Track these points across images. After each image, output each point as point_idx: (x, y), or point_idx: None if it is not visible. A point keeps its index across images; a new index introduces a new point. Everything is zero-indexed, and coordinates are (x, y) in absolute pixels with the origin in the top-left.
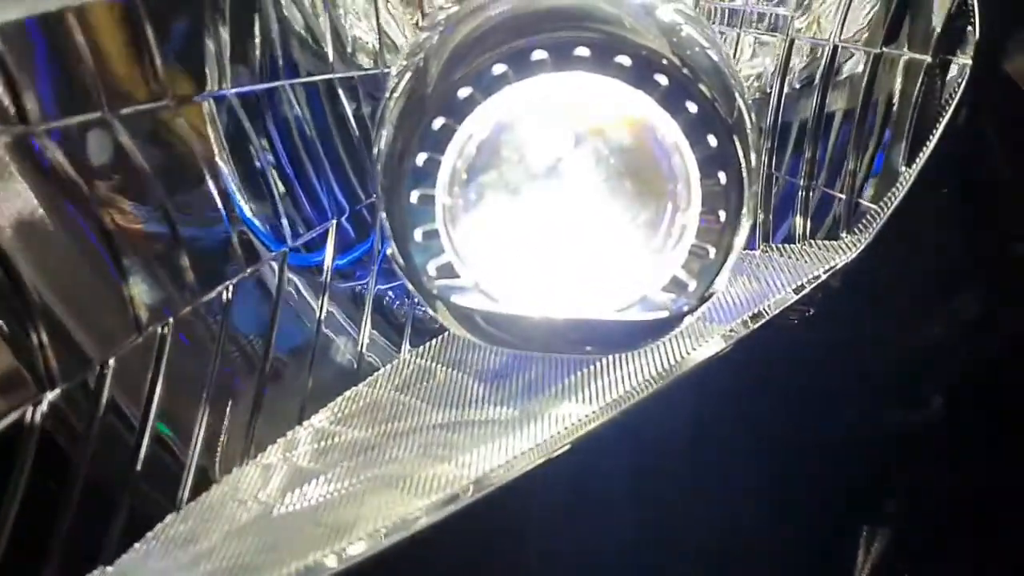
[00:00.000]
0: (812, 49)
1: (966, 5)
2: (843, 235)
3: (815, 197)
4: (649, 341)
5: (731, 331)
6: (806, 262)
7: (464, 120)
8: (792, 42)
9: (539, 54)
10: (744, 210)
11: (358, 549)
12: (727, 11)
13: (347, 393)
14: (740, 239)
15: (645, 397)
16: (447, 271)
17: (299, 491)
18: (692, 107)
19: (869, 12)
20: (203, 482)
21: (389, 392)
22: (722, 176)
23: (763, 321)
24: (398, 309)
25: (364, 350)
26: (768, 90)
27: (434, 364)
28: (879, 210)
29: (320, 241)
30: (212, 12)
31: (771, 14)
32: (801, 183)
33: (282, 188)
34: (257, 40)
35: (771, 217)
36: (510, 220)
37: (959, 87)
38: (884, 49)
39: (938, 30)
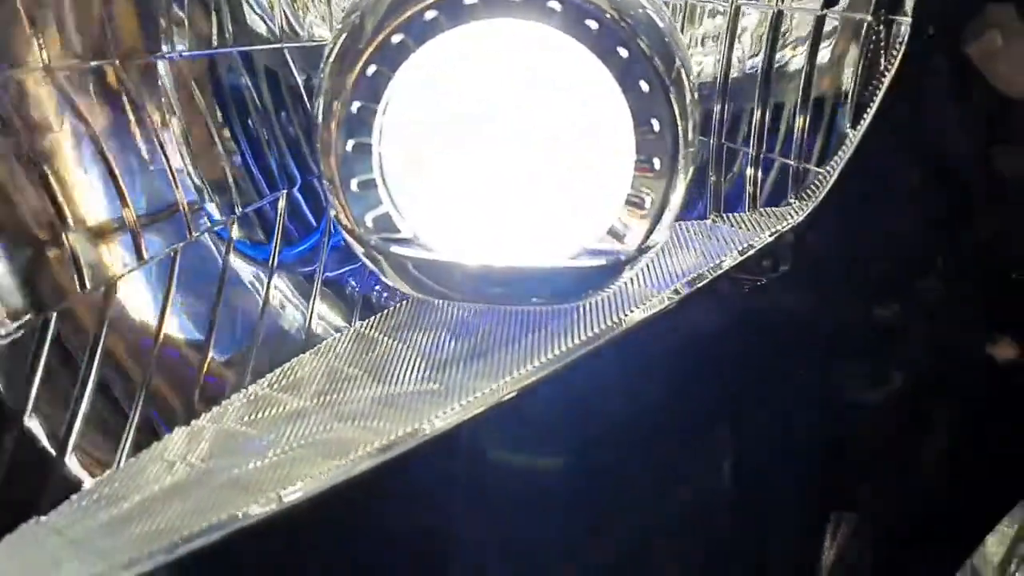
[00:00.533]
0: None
1: None
2: (792, 201)
3: (765, 165)
4: (589, 292)
5: (674, 292)
6: (754, 230)
7: (398, 68)
8: (738, 9)
9: (471, 0)
10: (681, 159)
11: (295, 495)
12: None
13: (291, 362)
14: (678, 190)
15: (583, 355)
16: (384, 222)
17: (228, 456)
18: (623, 53)
19: None
20: (145, 442)
21: (331, 362)
22: (655, 123)
23: (705, 282)
24: (349, 287)
25: (312, 322)
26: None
27: (378, 335)
28: (826, 174)
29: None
30: None
31: None
32: (751, 151)
33: (231, 155)
34: (209, 5)
35: (722, 186)
36: (447, 169)
37: (900, 46)
38: (826, 11)
39: None
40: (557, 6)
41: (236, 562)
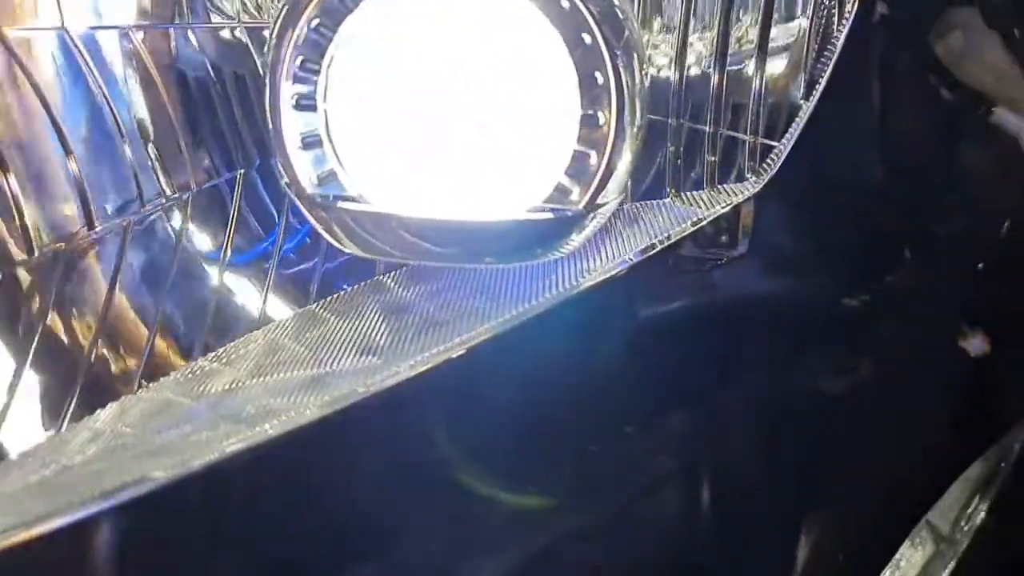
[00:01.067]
0: None
1: None
2: (749, 176)
3: (721, 142)
4: (539, 250)
5: (625, 260)
6: (709, 207)
7: (341, 23)
8: None
9: None
10: (627, 114)
11: (237, 446)
12: None
13: (240, 339)
14: (625, 146)
15: (530, 318)
16: (330, 178)
17: (155, 424)
18: (565, 4)
19: None
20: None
21: (277, 338)
22: (598, 76)
23: (655, 251)
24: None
25: (267, 305)
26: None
27: (329, 315)
28: (781, 147)
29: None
30: None
31: None
32: (708, 129)
33: (188, 132)
34: None
35: (680, 165)
36: (393, 126)
37: (850, 16)
38: None
39: None
40: None
41: (136, 524)
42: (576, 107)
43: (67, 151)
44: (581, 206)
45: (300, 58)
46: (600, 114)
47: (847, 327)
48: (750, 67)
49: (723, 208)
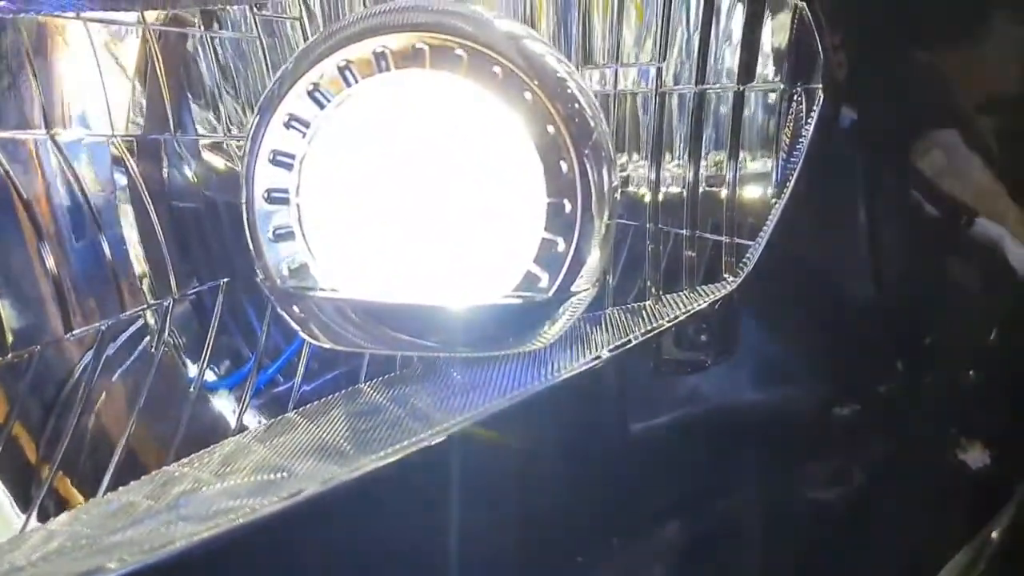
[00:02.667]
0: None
1: (805, 31)
2: (726, 278)
3: (699, 243)
4: (511, 339)
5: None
6: (687, 306)
7: (312, 119)
8: (664, 95)
9: (382, 50)
10: (594, 201)
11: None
12: (602, 72)
13: (213, 446)
14: (594, 234)
15: (500, 411)
16: (302, 271)
17: (112, 525)
18: (528, 97)
19: (728, 52)
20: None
21: (248, 444)
22: (563, 165)
23: (633, 352)
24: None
25: (244, 410)
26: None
27: (302, 420)
28: (755, 246)
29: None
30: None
31: (639, 69)
32: (685, 231)
33: (173, 241)
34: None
35: (660, 268)
36: (364, 218)
37: (815, 113)
38: (742, 86)
39: (785, 58)
40: (463, 55)
41: None
42: (542, 196)
43: (46, 254)
44: (551, 293)
45: (273, 154)
46: (566, 202)
47: (839, 437)
48: (724, 171)
49: (698, 308)
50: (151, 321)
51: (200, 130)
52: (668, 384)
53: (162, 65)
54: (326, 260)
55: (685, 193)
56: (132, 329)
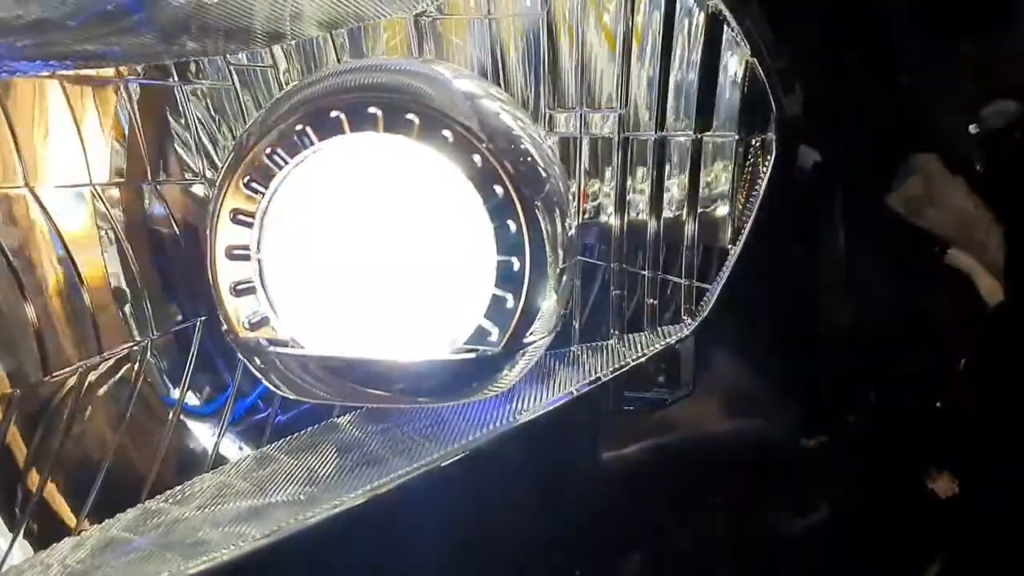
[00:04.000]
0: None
1: (758, 84)
2: (685, 318)
3: (659, 285)
4: (465, 390)
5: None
6: (646, 348)
7: (272, 179)
8: (627, 139)
9: (336, 115)
10: (548, 259)
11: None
12: (551, 117)
13: (192, 480)
14: (547, 290)
15: (461, 456)
16: (263, 324)
17: (102, 558)
18: (477, 159)
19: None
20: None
21: (227, 478)
22: (511, 224)
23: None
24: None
25: (219, 445)
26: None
27: (280, 454)
28: (712, 290)
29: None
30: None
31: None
32: (647, 273)
33: (153, 282)
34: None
35: (624, 308)
36: (322, 275)
37: (769, 162)
38: (700, 134)
39: (738, 109)
40: (415, 119)
41: None
42: (492, 254)
43: (25, 298)
44: (500, 347)
45: (233, 212)
46: (515, 260)
47: (799, 472)
48: (682, 211)
49: (656, 349)
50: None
51: (188, 176)
52: (628, 422)
53: (138, 116)
54: (286, 314)
55: (648, 236)
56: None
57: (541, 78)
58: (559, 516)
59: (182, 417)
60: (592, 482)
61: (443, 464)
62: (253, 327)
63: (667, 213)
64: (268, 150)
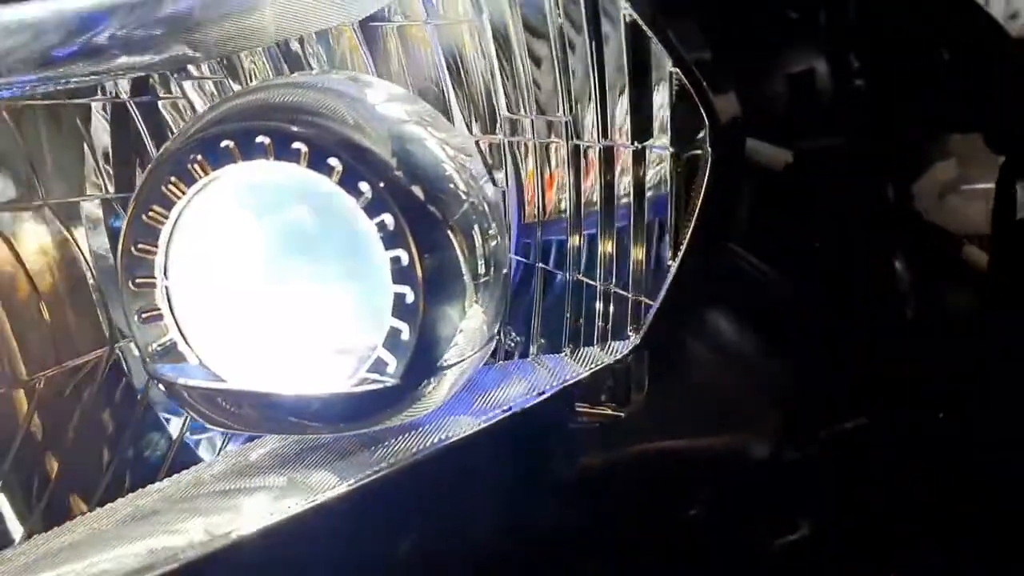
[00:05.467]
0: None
1: (686, 95)
2: (629, 333)
3: (611, 297)
4: (363, 421)
5: (486, 419)
6: (593, 363)
7: (171, 208)
8: (577, 148)
9: (227, 144)
10: (445, 289)
11: None
12: (513, 121)
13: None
14: (444, 320)
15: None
16: (170, 351)
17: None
18: (365, 188)
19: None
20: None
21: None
22: (403, 255)
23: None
24: None
25: (176, 449)
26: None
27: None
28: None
29: None
30: None
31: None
32: (599, 285)
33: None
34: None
35: (580, 321)
36: (229, 302)
37: (706, 175)
38: (641, 144)
39: (670, 119)
40: (303, 147)
41: None
42: (388, 284)
43: None
44: (399, 379)
45: (137, 239)
46: (408, 291)
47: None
48: (627, 223)
49: (603, 363)
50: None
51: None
52: (576, 438)
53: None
54: (194, 341)
55: (598, 247)
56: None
57: (493, 85)
58: (505, 531)
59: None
60: (538, 497)
61: (377, 476)
62: (162, 353)
63: (618, 224)
64: (167, 178)
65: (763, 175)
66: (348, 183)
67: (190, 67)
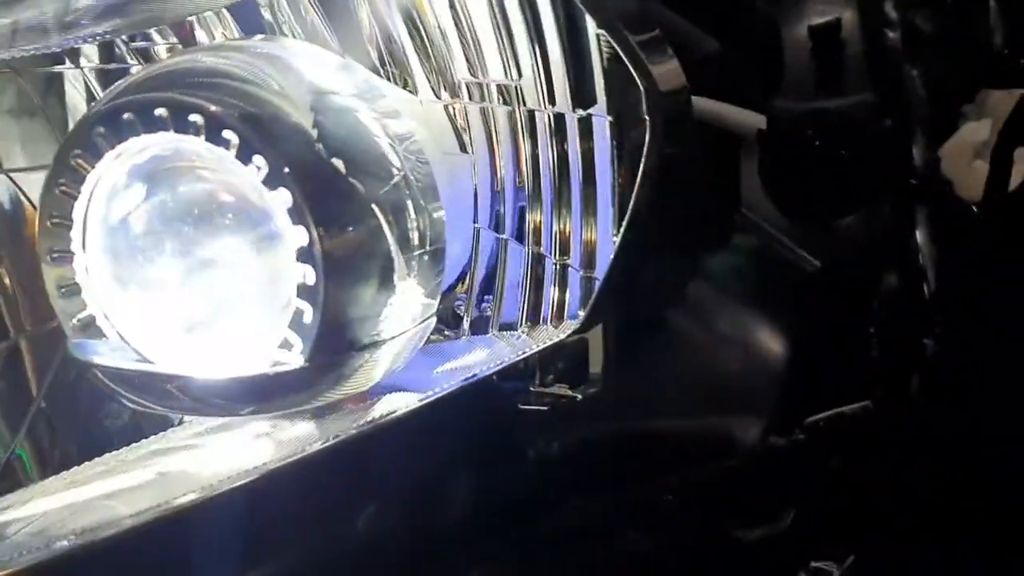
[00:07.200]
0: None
1: (620, 61)
2: (580, 310)
3: (562, 272)
4: (278, 401)
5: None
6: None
7: (83, 182)
8: (531, 113)
9: (128, 116)
10: (346, 270)
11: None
12: (464, 84)
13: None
14: (346, 303)
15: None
16: (90, 327)
17: None
18: (260, 162)
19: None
20: None
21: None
22: (303, 234)
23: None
24: None
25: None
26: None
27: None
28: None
29: None
30: None
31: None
32: (554, 261)
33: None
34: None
35: (539, 296)
36: (145, 277)
37: (644, 145)
38: (582, 111)
39: (605, 86)
40: (199, 119)
41: None
42: (292, 262)
43: None
44: (304, 361)
45: (52, 213)
46: (308, 271)
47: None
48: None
49: (543, 348)
50: None
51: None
52: (526, 419)
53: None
54: (112, 315)
55: (551, 220)
56: None
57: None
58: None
59: None
60: (486, 478)
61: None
62: (80, 327)
63: (565, 195)
64: (74, 151)
65: (706, 142)
66: (245, 156)
67: (149, 32)
